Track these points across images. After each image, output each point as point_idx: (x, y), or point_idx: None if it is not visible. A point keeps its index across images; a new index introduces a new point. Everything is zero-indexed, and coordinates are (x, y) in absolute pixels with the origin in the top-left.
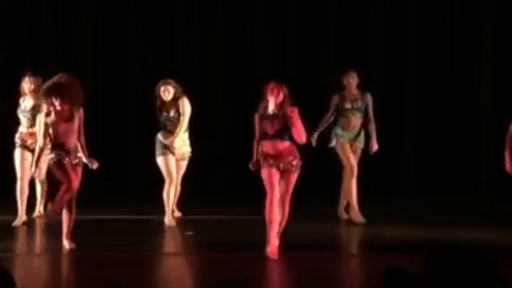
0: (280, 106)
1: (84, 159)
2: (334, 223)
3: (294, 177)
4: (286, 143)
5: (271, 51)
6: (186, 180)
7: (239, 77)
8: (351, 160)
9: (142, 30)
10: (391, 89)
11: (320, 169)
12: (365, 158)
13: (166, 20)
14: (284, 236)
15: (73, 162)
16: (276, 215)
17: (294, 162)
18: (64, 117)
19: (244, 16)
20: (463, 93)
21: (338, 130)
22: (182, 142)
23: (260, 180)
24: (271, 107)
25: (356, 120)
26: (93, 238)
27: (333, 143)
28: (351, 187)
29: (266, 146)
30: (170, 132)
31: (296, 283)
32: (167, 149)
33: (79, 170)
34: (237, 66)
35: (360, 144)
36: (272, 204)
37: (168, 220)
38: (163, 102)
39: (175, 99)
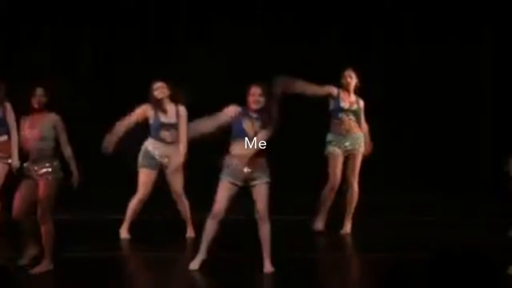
0: (262, 111)
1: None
2: (333, 223)
3: (263, 189)
4: (260, 151)
5: (271, 50)
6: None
7: (238, 76)
8: (337, 179)
9: (142, 29)
10: (392, 90)
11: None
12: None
13: (166, 18)
14: (283, 236)
15: (39, 172)
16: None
17: (260, 175)
18: (33, 122)
19: (244, 15)
20: (464, 93)
21: (330, 136)
22: (174, 151)
23: None
24: (252, 110)
25: (350, 123)
26: (95, 238)
27: (327, 151)
28: (329, 200)
29: (239, 148)
30: (164, 141)
31: (295, 283)
32: (154, 160)
33: (46, 181)
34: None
35: (360, 148)
36: (214, 219)
37: (123, 234)
38: (157, 101)
39: (172, 101)
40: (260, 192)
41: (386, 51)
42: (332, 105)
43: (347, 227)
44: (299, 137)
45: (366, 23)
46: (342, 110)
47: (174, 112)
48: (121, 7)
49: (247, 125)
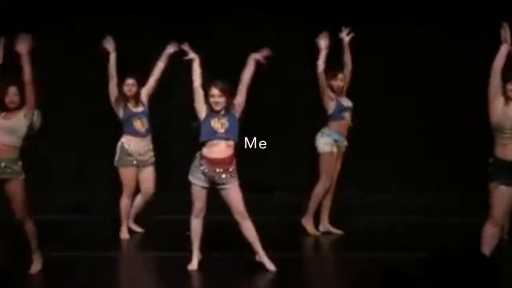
0: (227, 111)
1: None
2: (331, 223)
3: (236, 191)
4: (231, 155)
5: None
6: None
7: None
8: (330, 178)
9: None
10: (393, 89)
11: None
12: (366, 156)
13: (166, 15)
14: (282, 235)
15: (10, 174)
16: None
17: (229, 178)
18: (6, 119)
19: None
20: (463, 93)
21: (335, 135)
22: (148, 146)
23: (259, 180)
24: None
25: (348, 122)
26: (95, 238)
27: (327, 148)
28: (318, 200)
29: (210, 151)
30: (138, 134)
31: (295, 283)
32: (131, 157)
33: (19, 182)
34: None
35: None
36: (197, 217)
37: (123, 234)
38: (126, 98)
39: (138, 94)
40: (234, 194)
41: (388, 50)
42: (334, 106)
43: (328, 224)
44: (290, 136)
45: (367, 24)
46: (345, 109)
47: (140, 103)
48: (121, 3)
49: (215, 123)
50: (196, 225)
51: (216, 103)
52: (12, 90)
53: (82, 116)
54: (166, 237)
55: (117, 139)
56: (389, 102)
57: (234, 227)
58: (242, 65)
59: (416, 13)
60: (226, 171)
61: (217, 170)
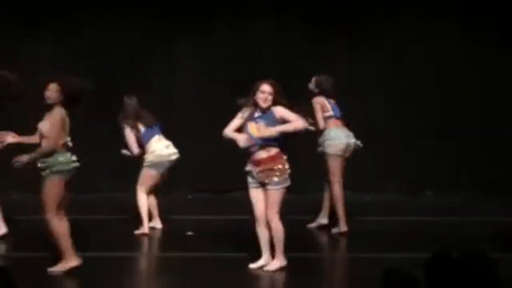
0: (268, 108)
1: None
2: (331, 223)
3: (272, 195)
4: (272, 151)
5: (272, 50)
6: (186, 180)
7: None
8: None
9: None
10: (395, 90)
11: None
12: (367, 156)
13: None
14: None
15: None
16: (264, 232)
17: (272, 179)
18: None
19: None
20: (462, 92)
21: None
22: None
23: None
24: (258, 108)
25: None
26: (95, 238)
27: (334, 150)
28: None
29: (251, 153)
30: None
31: (296, 284)
32: None
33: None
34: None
35: None
36: (257, 222)
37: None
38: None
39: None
40: (269, 197)
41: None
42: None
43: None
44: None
45: (369, 25)
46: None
47: None
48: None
49: (251, 128)
50: (259, 231)
51: (265, 99)
52: (52, 86)
53: (83, 113)
54: (167, 237)
55: (117, 136)
56: (390, 102)
57: (241, 226)
58: (241, 64)
59: (417, 10)
60: (267, 169)
61: (259, 167)
